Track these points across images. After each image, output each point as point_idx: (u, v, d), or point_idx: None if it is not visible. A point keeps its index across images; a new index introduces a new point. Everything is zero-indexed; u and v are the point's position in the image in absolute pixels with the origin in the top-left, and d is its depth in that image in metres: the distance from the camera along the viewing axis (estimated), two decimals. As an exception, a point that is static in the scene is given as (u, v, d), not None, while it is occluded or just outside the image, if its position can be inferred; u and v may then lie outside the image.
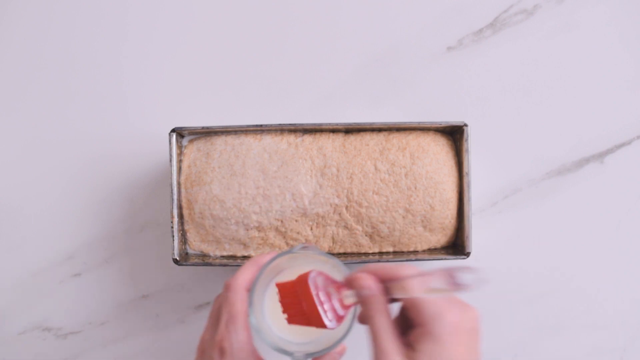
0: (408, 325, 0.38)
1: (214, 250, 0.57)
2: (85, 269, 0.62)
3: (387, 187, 0.55)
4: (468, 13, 0.62)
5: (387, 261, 0.56)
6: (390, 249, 0.57)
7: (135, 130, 0.62)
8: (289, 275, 0.45)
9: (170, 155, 0.55)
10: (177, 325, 0.62)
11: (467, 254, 0.56)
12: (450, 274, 0.34)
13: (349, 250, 0.57)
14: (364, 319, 0.39)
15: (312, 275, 0.42)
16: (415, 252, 0.57)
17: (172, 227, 0.55)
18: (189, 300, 0.62)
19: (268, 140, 0.57)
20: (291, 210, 0.55)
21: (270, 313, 0.46)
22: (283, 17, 0.62)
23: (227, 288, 0.43)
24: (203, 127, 0.56)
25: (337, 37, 0.62)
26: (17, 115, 0.63)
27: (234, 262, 0.56)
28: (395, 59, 0.62)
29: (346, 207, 0.55)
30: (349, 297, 0.41)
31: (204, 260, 0.57)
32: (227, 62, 0.62)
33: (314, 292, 0.41)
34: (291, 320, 0.44)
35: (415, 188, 0.55)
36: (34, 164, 0.63)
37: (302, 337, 0.46)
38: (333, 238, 0.57)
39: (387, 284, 0.38)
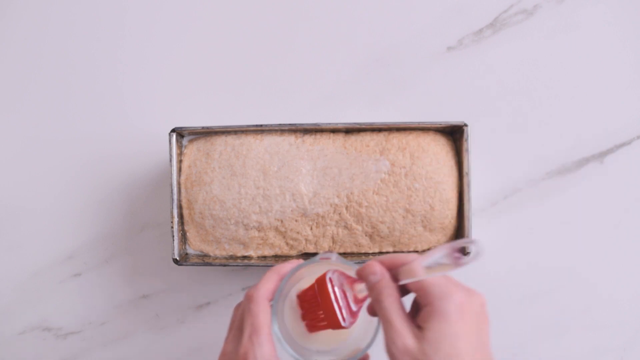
0: (418, 310, 0.40)
1: (213, 250, 0.57)
2: (86, 269, 0.62)
3: (387, 187, 0.55)
4: (468, 13, 0.62)
5: (387, 261, 0.55)
6: (390, 249, 0.57)
7: (135, 130, 0.62)
8: (308, 283, 0.45)
9: (170, 155, 0.55)
10: (177, 325, 0.62)
11: (467, 254, 0.56)
12: (452, 248, 0.36)
13: (348, 251, 0.57)
14: (373, 306, 0.40)
15: (328, 274, 0.43)
16: (415, 252, 0.57)
17: (172, 227, 0.55)
18: (189, 300, 0.62)
19: (269, 140, 0.57)
20: (291, 210, 0.55)
21: (291, 323, 0.45)
22: (283, 17, 0.62)
23: (249, 299, 0.42)
24: (203, 127, 0.56)
25: (337, 37, 0.62)
26: (17, 115, 0.63)
27: (234, 262, 0.56)
28: (395, 59, 0.62)
29: (346, 207, 0.55)
30: (361, 290, 0.41)
31: (204, 260, 0.57)
32: (227, 62, 0.62)
33: (330, 290, 0.42)
34: (311, 328, 0.45)
35: (415, 188, 0.55)
36: (34, 164, 0.63)
37: (324, 345, 0.46)
38: (333, 238, 0.57)
39: (395, 271, 0.40)
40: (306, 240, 0.57)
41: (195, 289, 0.62)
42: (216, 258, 0.57)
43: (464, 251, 0.36)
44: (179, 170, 0.57)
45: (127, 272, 0.62)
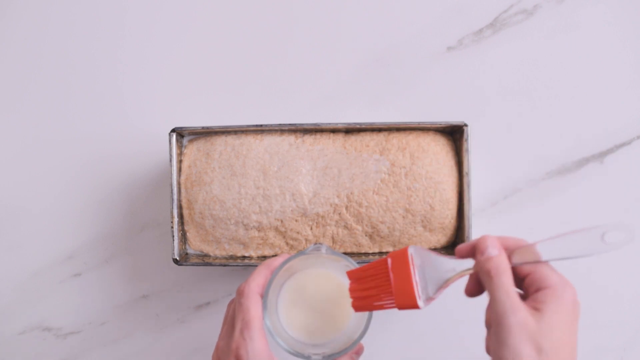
0: (525, 293, 0.41)
1: (214, 250, 0.57)
2: (86, 269, 0.62)
3: (387, 187, 0.55)
4: (468, 13, 0.62)
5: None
6: (391, 249, 0.57)
7: (135, 130, 0.62)
8: (303, 277, 0.45)
9: (170, 155, 0.55)
10: (177, 325, 0.62)
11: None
12: (596, 232, 0.37)
13: (348, 250, 0.57)
14: (484, 280, 0.39)
15: (411, 250, 0.41)
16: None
17: (172, 227, 0.55)
18: (189, 300, 0.62)
19: (269, 140, 0.57)
20: (291, 210, 0.55)
21: (285, 316, 0.46)
22: (283, 17, 0.62)
23: (240, 294, 0.42)
24: (203, 127, 0.56)
25: (337, 37, 0.62)
26: (17, 115, 0.63)
27: (234, 262, 0.56)
28: (395, 59, 0.62)
29: (346, 207, 0.55)
30: (459, 267, 0.40)
31: (204, 260, 0.57)
32: (227, 62, 0.62)
33: (411, 269, 0.40)
34: (361, 306, 0.42)
35: (415, 188, 0.55)
36: (34, 164, 0.63)
37: (318, 339, 0.46)
38: (333, 238, 0.57)
39: (511, 251, 0.40)
40: (306, 240, 0.57)
41: (195, 289, 0.62)
42: (216, 258, 0.57)
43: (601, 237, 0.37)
44: (179, 170, 0.57)
45: (127, 272, 0.62)
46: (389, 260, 0.41)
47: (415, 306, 0.40)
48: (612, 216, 0.61)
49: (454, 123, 0.55)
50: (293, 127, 0.56)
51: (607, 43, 0.62)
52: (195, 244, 0.58)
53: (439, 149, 0.56)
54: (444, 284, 0.41)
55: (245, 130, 0.56)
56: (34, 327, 0.63)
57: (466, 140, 0.55)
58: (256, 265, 0.57)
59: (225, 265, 0.58)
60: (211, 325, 0.62)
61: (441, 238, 0.57)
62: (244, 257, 0.57)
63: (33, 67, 0.63)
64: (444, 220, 0.56)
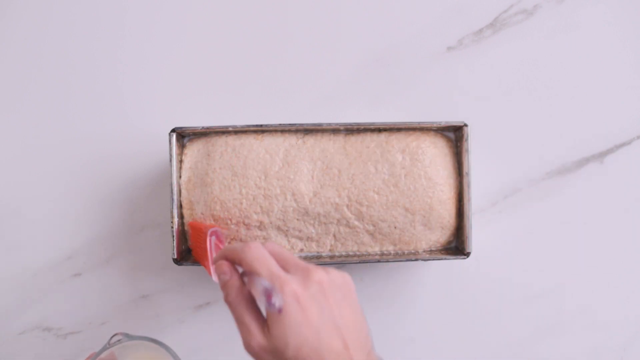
0: None
1: (214, 251, 0.58)
2: (85, 269, 0.62)
3: (387, 187, 0.55)
4: (468, 13, 0.62)
5: (387, 261, 0.56)
6: (391, 248, 0.57)
7: (135, 130, 0.62)
8: None
9: (170, 155, 0.55)
10: (177, 325, 0.62)
11: (467, 254, 0.56)
12: (267, 293, 0.37)
13: (349, 249, 0.57)
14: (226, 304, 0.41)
15: (210, 231, 0.49)
16: (415, 252, 0.57)
17: (172, 227, 0.55)
18: (189, 300, 0.62)
19: (269, 140, 0.57)
20: (292, 210, 0.55)
21: None
22: (283, 17, 0.62)
23: None
24: (203, 127, 0.56)
25: (337, 37, 0.62)
26: (17, 115, 0.63)
27: (234, 262, 0.56)
28: (395, 59, 0.62)
29: (347, 206, 0.55)
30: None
31: (204, 260, 0.57)
32: (227, 62, 0.62)
33: (209, 247, 0.49)
34: (196, 258, 0.54)
35: (415, 188, 0.55)
36: (34, 164, 0.63)
37: None
38: (335, 236, 0.57)
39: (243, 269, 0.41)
40: (308, 238, 0.57)
41: (195, 289, 0.62)
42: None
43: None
44: (180, 170, 0.57)
45: (127, 272, 0.62)
46: (209, 236, 0.50)
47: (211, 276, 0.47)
48: (612, 216, 0.61)
49: (454, 123, 0.55)
50: (293, 127, 0.56)
51: (607, 43, 0.62)
52: (196, 244, 0.58)
53: (438, 149, 0.57)
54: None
55: (246, 130, 0.56)
56: (34, 327, 0.63)
57: (466, 140, 0.55)
58: (256, 265, 0.57)
59: (225, 265, 0.58)
60: (211, 325, 0.62)
61: (441, 237, 0.57)
62: (244, 257, 0.58)
63: (33, 67, 0.63)
64: (443, 220, 0.56)
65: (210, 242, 0.49)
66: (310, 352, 0.37)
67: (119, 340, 0.47)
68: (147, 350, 0.48)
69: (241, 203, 0.55)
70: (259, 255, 0.40)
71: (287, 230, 0.56)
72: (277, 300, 0.37)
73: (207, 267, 0.50)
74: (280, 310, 0.37)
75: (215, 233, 0.50)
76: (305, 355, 0.37)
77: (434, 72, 0.62)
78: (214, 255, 0.48)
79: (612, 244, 0.61)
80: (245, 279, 0.40)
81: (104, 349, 0.46)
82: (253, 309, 0.40)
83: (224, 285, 0.41)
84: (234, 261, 0.41)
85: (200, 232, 0.52)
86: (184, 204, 0.57)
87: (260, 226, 0.56)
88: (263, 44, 0.62)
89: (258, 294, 0.38)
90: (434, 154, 0.56)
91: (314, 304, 0.38)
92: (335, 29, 0.62)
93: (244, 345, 0.39)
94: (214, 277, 0.45)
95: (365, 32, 0.62)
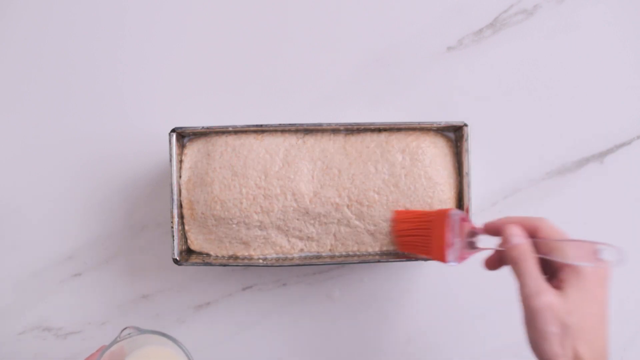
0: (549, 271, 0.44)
1: (215, 250, 0.58)
2: (86, 269, 0.62)
3: (388, 187, 0.55)
4: (468, 13, 0.62)
5: (387, 261, 0.56)
6: (391, 248, 0.57)
7: (135, 130, 0.62)
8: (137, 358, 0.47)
9: (170, 155, 0.55)
10: (177, 325, 0.62)
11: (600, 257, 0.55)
12: (595, 249, 0.40)
13: (350, 249, 0.57)
14: (512, 264, 0.43)
15: (451, 213, 0.48)
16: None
17: (172, 227, 0.55)
18: (189, 300, 0.62)
19: (269, 140, 0.57)
20: (293, 210, 0.55)
21: None
22: (283, 17, 0.62)
23: None
24: (203, 127, 0.56)
25: (337, 37, 0.62)
26: (17, 115, 0.63)
27: (234, 262, 0.56)
28: (395, 59, 0.62)
29: (347, 206, 0.55)
30: (481, 241, 0.46)
31: (204, 260, 0.57)
32: (227, 61, 0.62)
33: (447, 230, 0.48)
34: (405, 247, 0.54)
35: (415, 188, 0.55)
36: (34, 164, 0.63)
37: None
38: (335, 235, 0.57)
39: (536, 240, 0.43)
40: (308, 238, 0.57)
41: (195, 289, 0.62)
42: (217, 258, 0.57)
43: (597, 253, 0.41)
44: (180, 170, 0.57)
45: (127, 272, 0.62)
46: (434, 215, 0.50)
47: (443, 260, 0.48)
48: (612, 216, 0.61)
49: (454, 123, 0.55)
50: (293, 127, 0.56)
51: (607, 43, 0.62)
52: (197, 244, 0.58)
53: (438, 149, 0.57)
54: (473, 250, 0.47)
55: (246, 130, 0.56)
56: (34, 327, 0.63)
57: (466, 140, 0.55)
58: (256, 265, 0.57)
59: (225, 265, 0.58)
60: (211, 325, 0.62)
61: (441, 238, 0.57)
62: (245, 257, 0.57)
63: (33, 67, 0.63)
64: (444, 220, 0.56)
65: (450, 222, 0.48)
66: (592, 327, 0.40)
67: (129, 334, 0.47)
68: (158, 345, 0.48)
69: (241, 203, 0.55)
70: (555, 225, 0.44)
71: (287, 230, 0.56)
72: (609, 255, 0.40)
73: (436, 252, 0.49)
74: (609, 267, 0.41)
75: (458, 216, 0.49)
76: (585, 326, 0.40)
77: (434, 72, 0.62)
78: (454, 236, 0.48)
79: (612, 244, 0.61)
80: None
81: (114, 342, 0.46)
82: (541, 273, 0.42)
83: (514, 247, 0.43)
84: (524, 227, 0.44)
85: (423, 215, 0.52)
86: (184, 204, 0.57)
87: (261, 226, 0.56)
88: (263, 44, 0.62)
89: (577, 253, 0.41)
90: (434, 154, 0.56)
91: (606, 288, 0.42)
92: (335, 29, 0.62)
93: (527, 300, 0.41)
94: (452, 259, 0.48)
95: (365, 32, 0.62)
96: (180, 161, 0.57)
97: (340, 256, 0.57)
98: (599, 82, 0.62)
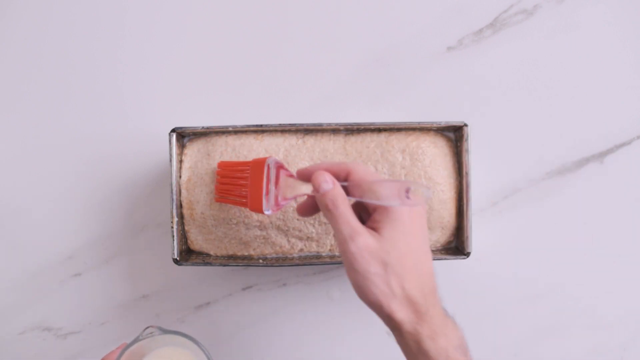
0: (364, 213, 0.45)
1: (215, 250, 0.58)
2: (86, 269, 0.62)
3: (387, 187, 0.55)
4: (468, 13, 0.62)
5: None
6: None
7: (135, 130, 0.62)
8: (156, 358, 0.47)
9: (170, 155, 0.55)
10: (177, 325, 0.62)
11: (467, 254, 0.56)
12: (404, 188, 0.40)
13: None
14: (324, 211, 0.43)
15: (269, 160, 0.47)
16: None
17: (172, 227, 0.55)
18: (189, 300, 0.62)
19: (269, 140, 0.57)
20: (292, 210, 0.55)
21: None
22: (283, 17, 0.62)
23: None
24: (203, 127, 0.56)
25: (337, 37, 0.62)
26: (17, 115, 0.63)
27: (234, 262, 0.56)
28: (395, 59, 0.62)
29: (346, 207, 0.55)
30: (295, 188, 0.46)
31: (204, 260, 0.57)
32: (227, 61, 0.62)
33: (265, 174, 0.47)
34: (221, 198, 0.52)
35: (415, 188, 0.55)
36: (34, 164, 0.63)
37: None
38: (335, 235, 0.57)
39: (345, 182, 0.43)
40: (308, 238, 0.57)
41: (195, 289, 0.62)
42: (217, 258, 0.57)
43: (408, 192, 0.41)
44: (180, 170, 0.57)
45: (127, 272, 0.62)
46: (251, 164, 0.49)
47: (260, 210, 0.47)
48: (612, 216, 0.61)
49: (454, 123, 0.55)
50: (293, 127, 0.56)
51: (607, 43, 0.62)
52: (196, 244, 0.58)
53: (438, 149, 0.57)
54: (289, 197, 0.47)
55: (246, 130, 0.56)
56: (34, 327, 0.63)
57: (466, 140, 0.55)
58: (256, 266, 0.57)
59: (225, 265, 0.58)
60: (211, 325, 0.62)
61: (441, 237, 0.57)
62: (244, 257, 0.57)
63: (33, 67, 0.63)
64: (443, 220, 0.56)
65: (267, 171, 0.47)
66: (415, 263, 0.41)
67: (151, 333, 0.46)
68: (177, 346, 0.47)
69: (241, 203, 0.55)
70: (367, 168, 0.43)
71: (287, 230, 0.56)
72: (419, 194, 0.40)
73: (252, 202, 0.48)
74: (418, 205, 0.41)
75: (275, 163, 0.48)
76: (406, 263, 0.40)
77: (434, 72, 0.62)
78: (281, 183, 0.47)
79: (612, 244, 0.61)
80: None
81: (135, 340, 0.46)
82: (355, 216, 0.42)
83: (325, 194, 0.42)
84: (335, 173, 0.43)
85: (242, 165, 0.51)
86: (184, 204, 0.57)
87: (260, 226, 0.56)
88: (263, 44, 0.62)
89: (387, 193, 0.40)
90: (434, 154, 0.56)
91: (422, 223, 0.42)
92: (335, 29, 0.62)
93: (344, 245, 0.41)
94: (267, 208, 0.47)
95: (365, 32, 0.62)
96: (180, 161, 0.57)
97: (340, 256, 0.57)
98: (599, 82, 0.62)
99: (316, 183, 0.43)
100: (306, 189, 0.46)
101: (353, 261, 0.41)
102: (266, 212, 0.48)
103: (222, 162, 0.54)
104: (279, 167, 0.48)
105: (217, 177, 0.54)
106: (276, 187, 0.47)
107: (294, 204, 0.53)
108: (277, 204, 0.47)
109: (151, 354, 0.47)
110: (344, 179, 0.44)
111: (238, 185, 0.51)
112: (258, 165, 0.48)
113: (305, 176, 0.45)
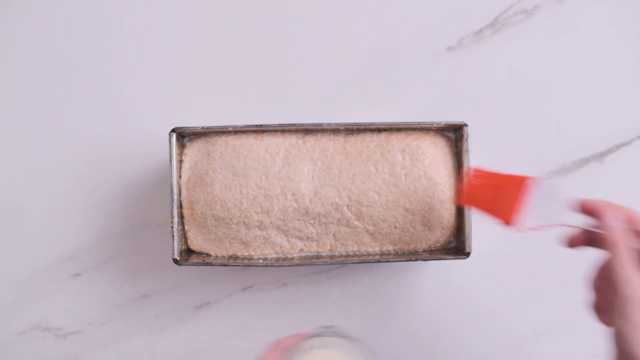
0: None
1: (215, 250, 0.58)
2: (86, 269, 0.62)
3: (388, 187, 0.55)
4: (468, 13, 0.62)
5: (387, 261, 0.56)
6: (391, 248, 0.57)
7: (135, 130, 0.62)
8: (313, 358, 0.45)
9: (170, 155, 0.55)
10: (177, 325, 0.62)
11: (467, 254, 0.56)
12: None
13: (349, 249, 0.57)
14: (608, 247, 0.41)
15: (538, 179, 0.47)
16: (415, 252, 0.57)
17: (172, 227, 0.55)
18: (189, 300, 0.62)
19: (269, 140, 0.57)
20: (292, 210, 0.55)
21: None
22: (283, 17, 0.62)
23: None
24: (203, 127, 0.56)
25: (337, 37, 0.62)
26: (17, 115, 0.63)
27: (234, 262, 0.56)
28: (395, 59, 0.62)
29: (347, 206, 0.55)
30: (565, 217, 0.45)
31: (204, 260, 0.57)
32: (227, 61, 0.62)
33: (527, 194, 0.46)
34: (470, 201, 0.52)
35: (415, 188, 0.55)
36: (34, 164, 0.63)
37: None
38: (335, 235, 0.57)
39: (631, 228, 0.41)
40: (308, 238, 0.57)
41: (195, 289, 0.62)
42: (217, 258, 0.57)
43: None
44: (180, 170, 0.57)
45: (127, 272, 0.62)
46: (514, 180, 0.48)
47: (508, 222, 0.46)
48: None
49: (454, 123, 0.55)
50: (293, 127, 0.56)
51: (607, 43, 0.62)
52: (197, 244, 0.58)
53: (438, 149, 0.57)
54: (551, 223, 0.45)
55: (246, 130, 0.56)
56: (34, 327, 0.63)
57: (466, 140, 0.55)
58: (256, 266, 0.57)
59: (225, 265, 0.58)
60: (211, 325, 0.62)
61: (441, 237, 0.57)
62: (245, 257, 0.57)
63: (33, 67, 0.63)
64: (443, 220, 0.56)
65: (533, 188, 0.46)
66: None
67: (327, 331, 0.45)
68: (336, 349, 0.46)
69: (241, 203, 0.55)
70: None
71: (287, 230, 0.56)
72: None
73: (505, 213, 0.47)
74: None
75: (536, 186, 0.47)
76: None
77: (434, 72, 0.62)
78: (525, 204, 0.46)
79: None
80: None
81: (315, 335, 0.44)
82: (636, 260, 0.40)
83: (613, 231, 0.41)
84: (624, 215, 0.42)
85: (505, 177, 0.50)
86: (184, 204, 0.57)
87: (260, 226, 0.56)
88: (263, 44, 0.62)
89: None
90: (434, 154, 0.56)
91: None
92: (335, 29, 0.62)
93: (622, 288, 0.39)
94: (521, 225, 0.46)
95: (365, 32, 0.62)
96: (180, 161, 0.57)
97: (340, 256, 0.57)
98: (599, 82, 0.62)
99: (607, 217, 0.42)
100: (581, 221, 0.44)
101: (626, 307, 0.38)
102: (518, 229, 0.46)
103: (477, 169, 0.53)
104: (549, 189, 0.47)
105: (469, 181, 0.53)
106: (541, 208, 0.46)
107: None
108: (536, 226, 0.46)
109: (307, 353, 0.46)
110: (629, 223, 0.42)
111: (491, 193, 0.50)
112: (521, 179, 0.47)
113: (587, 209, 0.44)
